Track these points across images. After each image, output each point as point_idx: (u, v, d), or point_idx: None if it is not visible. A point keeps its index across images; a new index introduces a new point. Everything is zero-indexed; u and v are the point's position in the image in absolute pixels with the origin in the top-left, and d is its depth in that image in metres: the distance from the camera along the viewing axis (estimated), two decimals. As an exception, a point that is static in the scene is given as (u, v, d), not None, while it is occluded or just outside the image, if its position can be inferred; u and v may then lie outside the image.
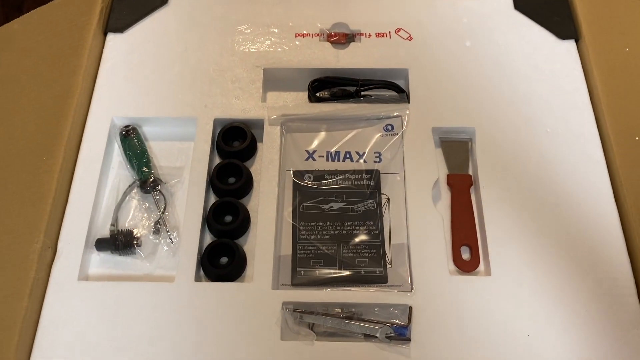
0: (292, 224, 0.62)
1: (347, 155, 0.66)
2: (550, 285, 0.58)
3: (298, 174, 0.65)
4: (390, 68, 0.71)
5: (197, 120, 0.67)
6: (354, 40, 0.73)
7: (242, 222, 0.62)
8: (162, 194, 0.64)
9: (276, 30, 0.74)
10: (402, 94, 0.70)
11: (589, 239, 0.60)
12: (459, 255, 0.61)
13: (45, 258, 0.59)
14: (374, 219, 0.62)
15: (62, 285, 0.58)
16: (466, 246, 0.62)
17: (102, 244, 0.61)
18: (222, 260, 0.61)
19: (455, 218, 0.63)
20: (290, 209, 0.63)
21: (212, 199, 0.65)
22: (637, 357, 0.55)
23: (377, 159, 0.66)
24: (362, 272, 0.59)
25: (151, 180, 0.64)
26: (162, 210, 0.63)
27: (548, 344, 0.55)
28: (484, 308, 0.57)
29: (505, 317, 0.56)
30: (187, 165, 0.66)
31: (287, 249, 0.61)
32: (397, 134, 0.67)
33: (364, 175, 0.65)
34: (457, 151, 0.67)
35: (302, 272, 0.59)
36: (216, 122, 0.67)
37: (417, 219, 0.61)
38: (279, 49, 0.72)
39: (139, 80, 0.71)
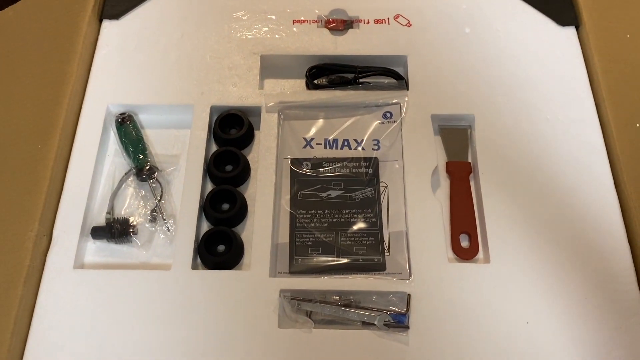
0: (290, 212, 0.62)
1: (346, 143, 0.66)
2: (549, 272, 0.57)
3: (296, 162, 0.64)
4: (389, 55, 0.70)
5: (193, 108, 0.66)
6: (352, 27, 0.72)
7: (240, 210, 0.62)
8: (159, 182, 0.63)
9: (273, 17, 0.73)
10: (400, 81, 0.69)
11: (589, 226, 0.60)
12: (458, 242, 0.60)
13: (41, 246, 0.58)
14: (372, 206, 0.62)
15: (57, 273, 0.57)
16: (465, 234, 0.61)
17: (98, 232, 0.60)
18: (219, 248, 0.61)
19: (454, 205, 0.62)
20: (288, 196, 0.63)
21: (209, 186, 0.64)
22: (636, 345, 0.54)
23: (376, 147, 0.65)
24: (360, 260, 0.59)
25: (147, 168, 0.64)
26: (158, 198, 0.62)
27: (547, 332, 0.55)
28: (482, 296, 0.56)
29: (504, 305, 0.56)
30: (183, 153, 0.66)
31: (284, 236, 0.60)
32: (396, 121, 0.66)
33: (362, 162, 0.64)
34: (456, 138, 0.67)
35: (299, 259, 0.59)
36: (213, 109, 0.67)
37: (416, 207, 0.61)
38: (277, 36, 0.72)
39: (134, 68, 0.70)
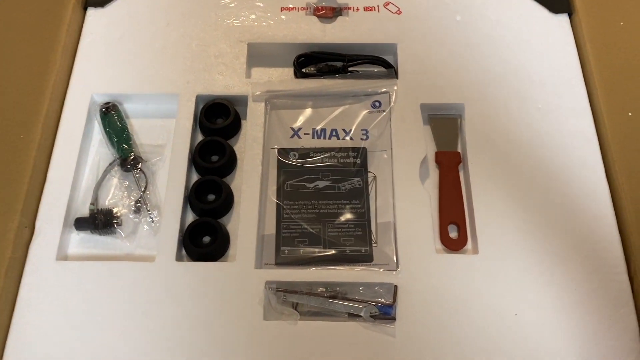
0: (277, 203, 0.61)
1: (334, 133, 0.65)
2: (539, 263, 0.57)
3: (283, 152, 0.64)
4: (378, 43, 0.69)
5: (179, 97, 0.65)
6: (341, 14, 0.71)
7: (225, 201, 0.61)
8: (143, 172, 0.62)
9: (261, 4, 0.72)
10: (390, 70, 0.68)
11: (579, 217, 0.59)
12: (447, 233, 0.60)
13: (22, 237, 0.57)
14: (360, 197, 0.61)
15: (39, 264, 0.57)
16: (454, 224, 0.60)
17: (81, 223, 0.59)
18: (204, 239, 0.60)
19: (443, 196, 0.62)
20: (275, 187, 0.62)
21: (195, 177, 0.63)
22: (625, 335, 0.54)
23: (364, 136, 0.64)
24: (347, 251, 0.58)
25: (132, 158, 0.63)
26: (142, 188, 0.61)
27: (536, 323, 0.54)
28: (470, 287, 0.56)
29: (492, 296, 0.55)
30: (168, 143, 0.65)
31: (271, 228, 0.59)
32: (385, 111, 0.65)
33: (350, 153, 0.63)
34: (446, 128, 0.66)
35: (286, 251, 0.58)
36: (199, 98, 0.66)
37: (404, 197, 0.60)
38: (264, 24, 0.70)
39: (119, 56, 0.68)
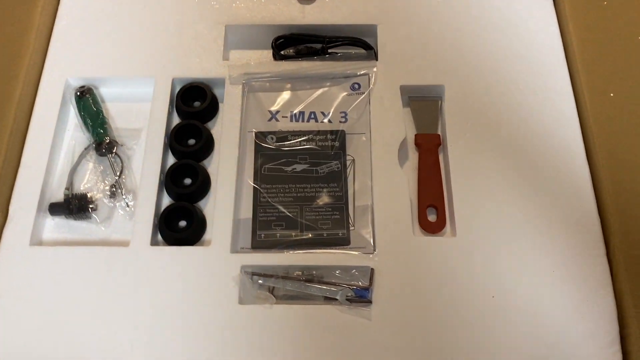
0: (254, 187, 0.60)
1: (312, 116, 0.64)
2: (517, 246, 0.56)
3: (260, 136, 0.63)
4: (358, 24, 0.68)
5: (155, 80, 0.64)
6: (320, -5, 0.69)
7: (202, 185, 0.60)
8: (119, 157, 0.62)
9: (239, -14, 0.70)
10: (370, 51, 0.67)
11: (558, 198, 0.58)
12: (425, 216, 0.59)
13: (-5, 223, 0.57)
14: (338, 180, 0.60)
15: (13, 250, 0.56)
16: (432, 207, 0.60)
17: (55, 208, 0.59)
18: (180, 224, 0.59)
19: (422, 179, 0.61)
20: (252, 171, 0.61)
21: (171, 161, 0.62)
22: (604, 317, 0.54)
23: (343, 119, 0.63)
24: (325, 235, 0.58)
25: (107, 142, 0.62)
26: (118, 173, 0.61)
27: (514, 306, 0.54)
28: (448, 269, 0.55)
29: (470, 279, 0.55)
30: (145, 127, 0.64)
31: (247, 212, 0.59)
32: (364, 93, 0.64)
33: (328, 136, 0.63)
34: (426, 110, 0.65)
35: (262, 235, 0.58)
36: (175, 81, 0.65)
37: (382, 180, 0.59)
38: (242, 5, 0.69)
39: (94, 39, 0.67)
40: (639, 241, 0.55)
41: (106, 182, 0.61)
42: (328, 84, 0.65)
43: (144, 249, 0.56)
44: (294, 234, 0.58)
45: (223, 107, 0.64)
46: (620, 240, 0.56)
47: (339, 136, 0.62)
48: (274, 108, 0.64)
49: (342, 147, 0.62)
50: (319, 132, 0.63)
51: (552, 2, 0.69)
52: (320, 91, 0.65)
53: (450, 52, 0.66)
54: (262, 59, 0.68)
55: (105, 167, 0.62)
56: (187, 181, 0.61)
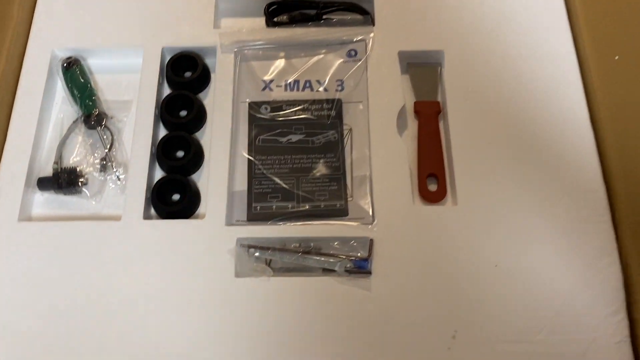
0: (248, 158, 0.58)
1: (307, 85, 0.62)
2: (520, 214, 0.55)
3: (254, 106, 0.61)
4: (354, -12, 0.65)
5: (143, 50, 0.62)
6: (314, -41, 0.67)
7: (194, 157, 0.58)
8: (109, 129, 0.60)
9: (230, -50, 0.68)
10: (366, 17, 0.64)
11: (562, 165, 0.57)
12: (425, 186, 0.57)
13: (-18, 199, 0.55)
14: (335, 150, 0.58)
15: (1, 226, 0.54)
16: (433, 176, 0.58)
17: (44, 183, 0.57)
18: (173, 197, 0.58)
19: (422, 147, 0.59)
20: (246, 142, 0.59)
21: (162, 133, 0.60)
22: (607, 286, 0.52)
23: (339, 87, 0.61)
24: (322, 206, 0.56)
25: (96, 114, 0.60)
26: (108, 146, 0.59)
27: (516, 274, 0.52)
28: (449, 239, 0.54)
29: (471, 248, 0.53)
30: (135, 99, 0.62)
31: (242, 184, 0.57)
32: (361, 60, 0.62)
33: (324, 105, 0.60)
34: (425, 77, 0.63)
35: (257, 207, 0.56)
36: (165, 50, 0.62)
37: (380, 150, 0.58)
38: (233, -30, 0.66)
39: (81, 8, 0.65)
40: (645, 207, 0.54)
41: (96, 155, 0.59)
42: (323, 51, 0.63)
43: (137, 223, 0.54)
44: (290, 205, 0.56)
45: (215, 77, 0.62)
46: (625, 206, 0.54)
47: (336, 105, 0.60)
48: (267, 77, 0.62)
49: (339, 116, 0.60)
50: (314, 102, 0.61)
51: (554, -37, 0.67)
52: (315, 59, 0.63)
53: (449, 16, 0.64)
54: (254, 26, 0.65)
55: (95, 140, 0.60)
56: (180, 154, 0.59)
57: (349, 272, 0.52)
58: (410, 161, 0.58)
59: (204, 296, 0.52)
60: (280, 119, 0.60)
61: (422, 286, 0.52)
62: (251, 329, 0.51)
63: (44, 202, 0.58)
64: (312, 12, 0.64)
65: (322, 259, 0.53)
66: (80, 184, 0.57)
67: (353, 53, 0.63)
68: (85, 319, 0.51)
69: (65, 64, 0.62)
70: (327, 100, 0.61)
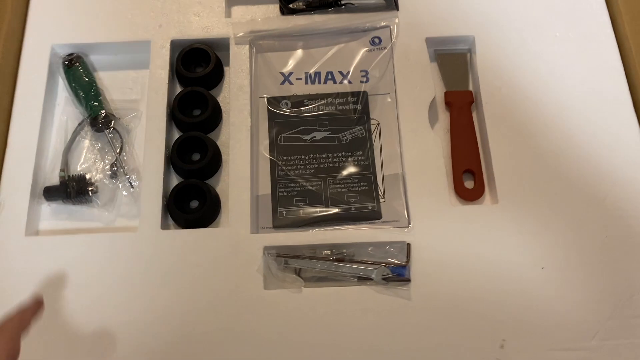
0: (270, 159, 0.54)
1: (329, 76, 0.57)
2: (564, 211, 0.51)
3: (273, 101, 0.56)
4: (374, -30, 0.61)
5: (151, 44, 0.57)
6: (331, -61, 0.62)
7: (212, 160, 0.54)
8: (117, 132, 0.55)
9: None
10: (389, 0, 0.60)
11: (606, 158, 0.53)
12: (461, 183, 0.54)
13: (-15, 213, 0.51)
14: (363, 148, 0.54)
15: (6, 242, 0.50)
16: (469, 172, 0.54)
17: (51, 193, 0.53)
18: (191, 204, 0.54)
19: (455, 141, 0.55)
20: (267, 142, 0.55)
21: (176, 134, 0.56)
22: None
23: (364, 79, 0.57)
24: (352, 209, 0.52)
25: (103, 116, 0.55)
26: (118, 150, 0.54)
27: (564, 277, 0.49)
28: (491, 241, 0.50)
29: (516, 250, 0.50)
30: (143, 97, 0.57)
31: (265, 187, 0.53)
32: (386, 48, 0.58)
33: (349, 98, 0.56)
34: (455, 65, 0.59)
35: (284, 212, 0.52)
36: (174, 44, 0.58)
37: (412, 145, 0.54)
38: (243, -46, 0.61)
39: (81, 0, 0.60)
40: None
41: (106, 160, 0.54)
42: (345, 39, 0.59)
43: (154, 234, 0.50)
44: (318, 209, 0.52)
45: (229, 71, 0.58)
46: (678, 200, 0.51)
47: (361, 98, 0.56)
48: (286, 70, 0.58)
49: (365, 110, 0.56)
50: (338, 95, 0.56)
51: (588, -62, 0.62)
52: (336, 48, 0.58)
53: (478, -1, 0.60)
54: (267, 14, 0.61)
55: (103, 144, 0.55)
56: (196, 156, 0.55)
57: (386, 280, 0.49)
58: (444, 157, 0.54)
59: (232, 310, 0.48)
60: (303, 115, 0.56)
61: (464, 293, 0.49)
62: (284, 345, 0.47)
63: (51, 213, 0.54)
64: (331, -3, 0.60)
65: (357, 266, 0.49)
66: (90, 192, 0.53)
67: (377, 41, 0.58)
68: (100, 342, 0.47)
69: (66, 62, 0.57)
70: (352, 93, 0.56)
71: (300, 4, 0.60)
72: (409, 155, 0.53)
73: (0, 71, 0.55)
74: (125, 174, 0.53)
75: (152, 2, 0.59)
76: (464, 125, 0.56)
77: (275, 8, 0.61)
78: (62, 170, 0.54)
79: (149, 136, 0.54)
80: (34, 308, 0.41)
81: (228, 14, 0.60)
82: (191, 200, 0.54)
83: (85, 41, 0.58)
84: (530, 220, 0.51)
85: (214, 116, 0.56)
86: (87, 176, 0.54)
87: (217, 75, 0.58)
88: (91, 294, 0.49)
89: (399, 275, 0.49)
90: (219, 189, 0.54)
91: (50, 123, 0.57)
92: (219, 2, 0.59)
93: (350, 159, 0.54)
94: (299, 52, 0.58)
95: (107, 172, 0.54)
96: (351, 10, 0.59)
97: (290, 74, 0.57)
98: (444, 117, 0.57)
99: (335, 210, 0.52)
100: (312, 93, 0.57)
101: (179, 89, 0.58)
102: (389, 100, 0.56)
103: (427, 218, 0.51)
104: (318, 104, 0.56)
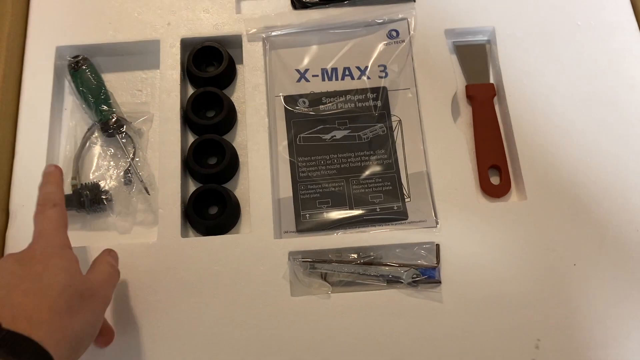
0: (290, 160, 0.52)
1: (347, 72, 0.56)
2: (595, 205, 0.50)
3: (290, 100, 0.54)
4: (389, -40, 0.59)
5: (160, 43, 0.55)
6: None
7: (230, 163, 0.52)
8: (129, 136, 0.53)
9: None
10: (405, -8, 0.58)
11: (637, 149, 0.52)
12: (487, 179, 0.52)
13: (-3, 225, 0.49)
14: (385, 146, 0.53)
15: (21, 256, 0.48)
16: (494, 168, 0.53)
17: (65, 203, 0.50)
18: (210, 209, 0.52)
19: (479, 136, 0.54)
20: (285, 142, 0.53)
21: (190, 138, 0.54)
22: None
23: (383, 74, 0.55)
24: (377, 210, 0.51)
25: (114, 120, 0.53)
26: (131, 155, 0.52)
27: (597, 273, 0.48)
28: (521, 238, 0.49)
29: (547, 247, 0.49)
30: (154, 99, 0.55)
31: (286, 190, 0.51)
32: (404, 41, 0.56)
33: (368, 94, 0.55)
34: (474, 57, 0.57)
35: (307, 215, 0.51)
36: (184, 42, 0.56)
37: (436, 142, 0.52)
38: (252, -54, 0.59)
39: (84, -1, 0.57)
40: None
41: (119, 167, 0.52)
42: (361, 33, 0.57)
43: (175, 242, 0.49)
44: (342, 211, 0.51)
45: (242, 70, 0.56)
46: None
47: (381, 94, 0.54)
48: (302, 66, 0.56)
49: (386, 106, 0.54)
50: (357, 91, 0.55)
51: None
52: (352, 43, 0.56)
53: (497, -13, 0.58)
54: (279, 8, 0.58)
55: (115, 149, 0.53)
56: (212, 160, 0.53)
57: (416, 282, 0.47)
58: (469, 152, 0.53)
59: (259, 320, 0.46)
60: (321, 113, 0.54)
61: (496, 293, 0.47)
62: (315, 353, 0.46)
63: (65, 223, 0.52)
64: (345, -11, 0.58)
65: (386, 269, 0.48)
66: (104, 201, 0.51)
67: (394, 34, 0.56)
68: (123, 356, 0.46)
69: (73, 64, 0.55)
70: (371, 89, 0.55)
71: (313, -3, 0.58)
72: (433, 152, 0.52)
73: (4, 76, 0.52)
74: (141, 180, 0.51)
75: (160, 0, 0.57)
76: (487, 120, 0.54)
77: (286, 2, 0.58)
78: (73, 178, 0.52)
79: (163, 140, 0.52)
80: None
81: (239, 10, 0.58)
82: (210, 205, 0.52)
83: (91, 42, 0.56)
84: (560, 215, 0.49)
85: (229, 117, 0.54)
86: (101, 184, 0.51)
87: (230, 74, 0.56)
88: (111, 307, 0.47)
89: (429, 277, 0.47)
90: (237, 193, 0.53)
91: (58, 129, 0.54)
92: (229, -4, 0.57)
93: (372, 158, 0.52)
94: (314, 48, 0.56)
95: (122, 179, 0.52)
96: (366, 3, 0.57)
97: (306, 70, 0.56)
98: (465, 112, 0.56)
99: (360, 211, 0.51)
100: (330, 90, 0.55)
101: (190, 90, 0.56)
102: (410, 95, 0.54)
103: (455, 217, 0.49)
104: (337, 101, 0.54)
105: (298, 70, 0.56)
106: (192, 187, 0.53)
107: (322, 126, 0.54)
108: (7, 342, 0.32)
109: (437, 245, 0.48)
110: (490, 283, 0.48)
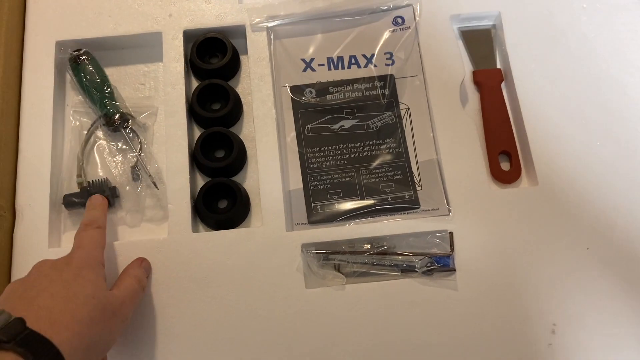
0: (299, 152, 0.52)
1: (353, 60, 0.55)
2: (607, 189, 0.50)
3: (296, 90, 0.54)
4: (392, -55, 0.58)
5: (162, 35, 0.54)
6: None
7: (238, 156, 0.51)
8: (134, 131, 0.52)
9: None
10: (410, -23, 0.57)
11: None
12: (497, 165, 0.52)
13: (3, 226, 0.48)
14: (394, 134, 0.52)
15: (29, 256, 0.47)
16: (504, 154, 0.53)
17: (71, 201, 0.50)
18: (219, 203, 0.51)
19: (489, 122, 0.53)
20: (294, 133, 0.52)
21: (197, 131, 0.53)
22: None
23: (390, 61, 0.55)
24: (389, 199, 0.50)
25: (118, 115, 0.52)
26: (137, 151, 0.52)
27: (610, 257, 0.48)
28: (534, 224, 0.49)
29: (559, 232, 0.49)
30: (158, 93, 0.54)
31: (297, 181, 0.51)
32: (410, 28, 0.55)
33: (376, 82, 0.54)
34: (480, 43, 0.57)
35: (318, 206, 0.50)
36: (186, 34, 0.55)
37: (446, 129, 0.52)
38: None
39: (81, -10, 0.56)
40: None
41: (127, 162, 0.52)
42: (366, 20, 0.56)
43: (186, 237, 0.48)
44: (354, 201, 0.50)
45: (247, 60, 0.55)
46: None
47: (389, 82, 0.54)
48: (307, 55, 0.55)
49: (394, 94, 0.54)
50: (364, 80, 0.54)
51: None
52: (358, 30, 0.56)
53: (501, -30, 0.57)
54: (282, -3, 0.58)
55: (120, 145, 0.52)
56: (220, 153, 0.52)
57: (431, 271, 0.47)
58: (479, 138, 0.52)
59: (274, 314, 0.46)
60: (329, 103, 0.53)
61: (510, 279, 0.47)
62: (330, 344, 0.46)
63: (74, 222, 0.51)
64: (349, -24, 0.57)
65: (401, 258, 0.48)
66: (112, 197, 0.50)
67: (400, 20, 0.56)
68: (137, 353, 0.45)
69: (74, 59, 0.54)
70: (379, 77, 0.54)
71: (317, -15, 0.57)
72: (443, 139, 0.51)
73: (3, 73, 0.51)
74: (149, 175, 0.51)
75: (160, -10, 0.56)
76: (495, 105, 0.54)
77: (289, -10, 0.57)
78: (79, 176, 0.51)
79: (170, 134, 0.51)
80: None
81: (241, -1, 0.57)
82: (219, 199, 0.51)
83: (91, 35, 0.55)
84: (571, 201, 0.49)
85: (236, 109, 0.54)
86: (108, 180, 0.51)
87: (234, 65, 0.55)
88: (124, 304, 0.46)
89: (444, 265, 0.47)
90: (246, 186, 0.52)
91: (61, 126, 0.53)
92: (231, -14, 0.56)
93: (382, 147, 0.52)
94: (319, 37, 0.55)
95: (129, 175, 0.51)
96: (371, -11, 0.56)
97: (312, 60, 0.55)
98: (473, 98, 0.55)
99: (371, 201, 0.50)
100: (336, 79, 0.54)
101: (194, 83, 0.55)
102: (418, 82, 0.54)
103: (467, 204, 0.49)
104: (344, 90, 0.54)
105: (304, 60, 0.55)
106: (200, 181, 0.52)
107: (330, 116, 0.53)
108: (29, 341, 0.33)
109: (451, 233, 0.48)
110: (504, 269, 0.48)
